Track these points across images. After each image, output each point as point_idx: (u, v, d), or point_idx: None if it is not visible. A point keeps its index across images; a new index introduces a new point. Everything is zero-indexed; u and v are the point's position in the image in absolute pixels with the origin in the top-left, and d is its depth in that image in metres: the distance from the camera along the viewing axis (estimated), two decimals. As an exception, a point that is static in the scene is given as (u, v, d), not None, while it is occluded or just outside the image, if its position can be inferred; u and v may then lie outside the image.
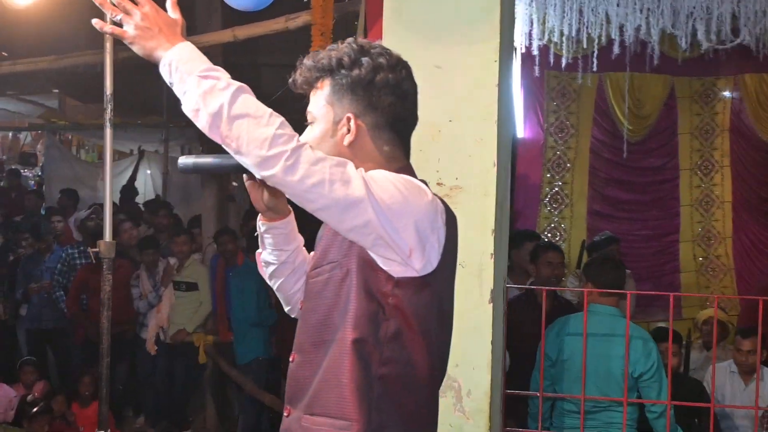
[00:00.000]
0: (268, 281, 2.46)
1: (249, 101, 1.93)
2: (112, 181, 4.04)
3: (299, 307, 2.35)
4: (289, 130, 1.93)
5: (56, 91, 12.88)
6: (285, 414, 2.23)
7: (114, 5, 2.03)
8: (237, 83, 1.94)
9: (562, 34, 6.91)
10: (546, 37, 7.04)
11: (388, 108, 2.15)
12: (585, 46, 7.17)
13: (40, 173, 14.16)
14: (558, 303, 5.65)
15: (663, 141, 8.40)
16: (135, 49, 2.05)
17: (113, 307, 7.72)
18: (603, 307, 4.55)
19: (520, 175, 8.17)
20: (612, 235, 7.44)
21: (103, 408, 4.06)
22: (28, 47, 8.60)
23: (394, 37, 3.60)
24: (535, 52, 7.06)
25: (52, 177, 12.62)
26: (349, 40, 2.21)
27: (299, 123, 2.17)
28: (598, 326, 4.41)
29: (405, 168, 2.19)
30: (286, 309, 2.49)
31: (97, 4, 2.06)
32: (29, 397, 7.01)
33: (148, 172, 12.46)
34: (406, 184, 2.04)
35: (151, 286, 7.81)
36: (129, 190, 11.62)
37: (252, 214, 9.55)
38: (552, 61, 7.82)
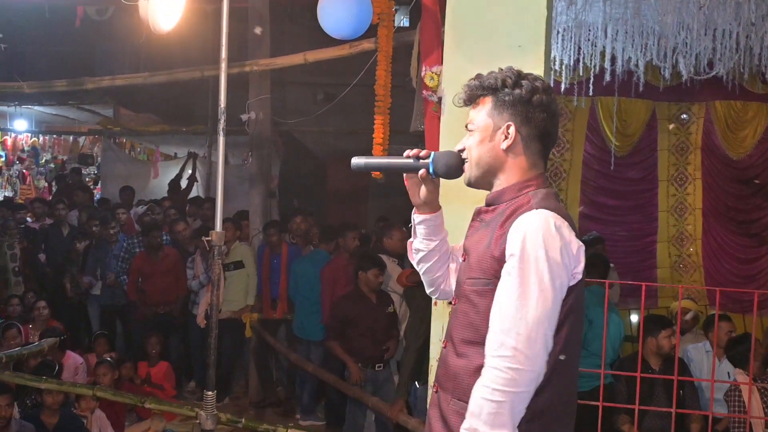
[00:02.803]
0: (415, 266, 2.55)
1: None
2: (208, 180, 4.19)
3: (449, 299, 2.50)
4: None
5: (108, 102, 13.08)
6: (434, 390, 2.34)
7: None
8: None
9: (562, 62, 7.03)
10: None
11: (541, 123, 2.23)
12: (581, 73, 7.31)
13: (96, 171, 14.34)
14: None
15: (644, 156, 8.46)
16: None
17: (164, 288, 8.07)
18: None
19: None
20: (599, 236, 7.57)
21: (210, 371, 4.17)
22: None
23: (453, 64, 3.81)
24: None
25: (107, 175, 12.79)
26: (509, 66, 2.31)
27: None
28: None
29: (539, 176, 2.27)
30: (428, 290, 2.59)
31: None
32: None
33: (189, 171, 12.63)
34: (556, 265, 2.07)
35: (203, 269, 7.98)
36: (174, 185, 11.81)
37: (288, 212, 9.77)
38: (552, 85, 7.92)
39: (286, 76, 11.51)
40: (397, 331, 6.39)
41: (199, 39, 9.42)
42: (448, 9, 3.86)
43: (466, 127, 2.32)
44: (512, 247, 2.09)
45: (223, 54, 4.10)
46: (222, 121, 4.09)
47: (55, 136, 14.38)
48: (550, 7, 3.85)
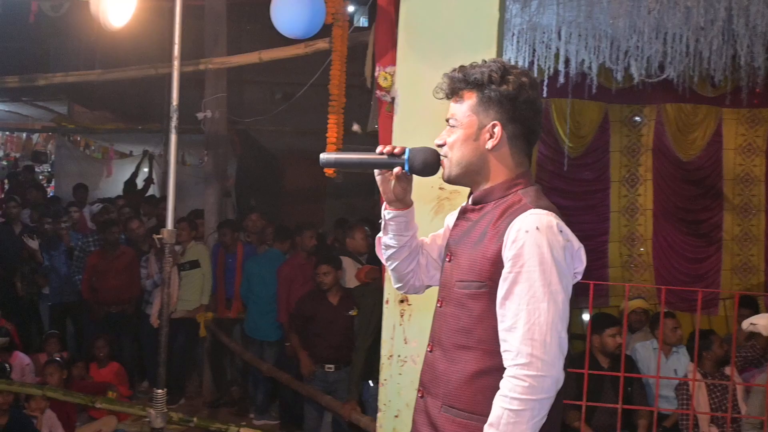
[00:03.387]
0: (384, 262, 2.47)
1: None
2: (164, 180, 4.16)
3: (418, 293, 2.50)
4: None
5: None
6: (419, 395, 2.27)
7: None
8: None
9: (517, 64, 7.10)
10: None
11: (527, 121, 2.17)
12: (535, 75, 7.42)
13: (49, 169, 14.12)
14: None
15: (597, 157, 8.55)
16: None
17: (118, 287, 7.98)
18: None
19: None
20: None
21: (161, 369, 4.13)
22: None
23: (406, 65, 3.83)
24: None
25: (61, 173, 12.62)
26: (493, 59, 2.22)
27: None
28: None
29: (526, 174, 2.21)
30: (396, 285, 2.51)
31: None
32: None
33: (145, 170, 12.49)
34: (558, 269, 2.01)
35: (158, 268, 7.85)
36: (130, 185, 11.70)
37: (245, 211, 9.71)
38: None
39: (245, 75, 11.46)
40: (353, 333, 6.36)
41: (155, 36, 9.30)
42: (401, 10, 3.88)
43: (447, 121, 2.24)
44: (513, 249, 2.03)
45: (176, 52, 4.07)
46: (174, 119, 4.06)
47: (7, 132, 14.12)
48: (502, 9, 3.89)
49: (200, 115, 7.84)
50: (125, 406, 5.41)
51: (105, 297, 8.02)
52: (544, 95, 7.51)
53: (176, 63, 4.02)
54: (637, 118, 8.66)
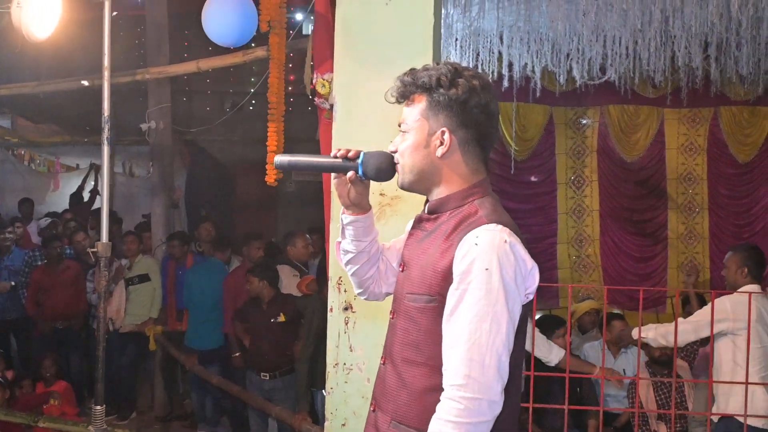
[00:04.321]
0: (344, 267, 2.41)
1: None
2: (110, 192, 4.10)
3: (379, 300, 2.42)
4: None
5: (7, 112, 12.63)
6: (371, 408, 2.21)
7: None
8: None
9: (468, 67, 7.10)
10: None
11: (479, 125, 2.07)
12: (482, 79, 7.43)
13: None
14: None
15: (543, 160, 8.61)
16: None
17: (65, 301, 7.82)
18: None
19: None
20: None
21: (99, 385, 4.06)
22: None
23: (344, 71, 3.79)
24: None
25: (5, 187, 12.35)
26: (445, 61, 2.15)
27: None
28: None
29: (483, 182, 2.13)
30: (357, 291, 2.44)
31: None
32: (-1, 381, 6.94)
33: (92, 183, 12.30)
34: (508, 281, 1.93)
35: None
36: (76, 198, 11.53)
37: (195, 222, 9.61)
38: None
39: (193, 86, 11.35)
40: (290, 341, 6.30)
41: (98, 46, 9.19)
42: (337, 16, 3.84)
43: (399, 126, 2.16)
44: (462, 264, 1.95)
45: (106, 62, 4.00)
46: (106, 131, 4.00)
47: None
48: (438, 13, 3.88)
49: (144, 126, 7.73)
50: (69, 423, 5.28)
51: (51, 312, 7.87)
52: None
53: (106, 74, 3.95)
54: (582, 120, 8.73)
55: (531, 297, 2.04)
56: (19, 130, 12.81)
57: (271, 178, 4.70)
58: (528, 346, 4.60)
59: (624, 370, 6.17)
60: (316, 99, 4.15)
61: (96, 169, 11.92)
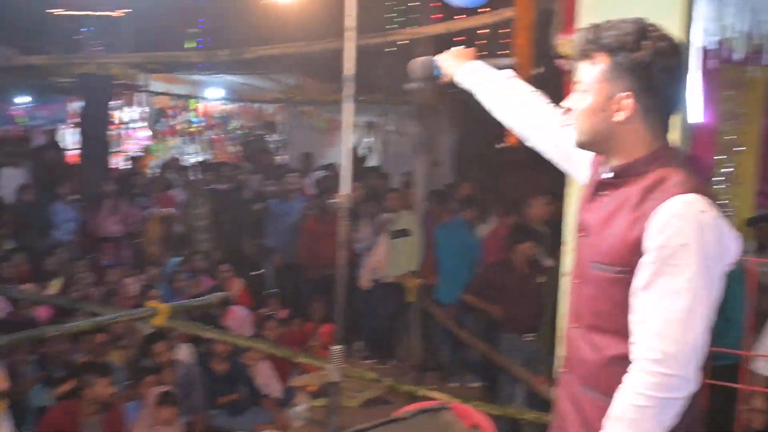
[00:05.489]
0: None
1: None
2: (350, 148, 4.47)
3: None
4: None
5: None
6: (565, 369, 2.20)
7: None
8: None
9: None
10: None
11: (663, 91, 1.98)
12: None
13: (279, 138, 14.98)
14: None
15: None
16: None
17: (331, 252, 8.35)
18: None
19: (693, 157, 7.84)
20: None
21: (339, 327, 4.41)
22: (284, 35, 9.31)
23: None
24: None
25: (289, 142, 13.44)
26: (632, 19, 2.02)
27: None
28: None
29: (666, 147, 2.03)
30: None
31: None
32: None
33: (368, 140, 12.97)
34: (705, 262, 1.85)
35: (368, 233, 8.34)
36: (353, 153, 12.19)
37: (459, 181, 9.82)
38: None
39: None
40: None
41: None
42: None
43: (576, 84, 2.07)
44: (658, 239, 1.87)
45: (351, 23, 4.29)
46: (349, 88, 4.30)
47: (242, 103, 15.09)
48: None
49: (407, 86, 7.98)
50: (321, 360, 5.71)
51: (321, 259, 8.48)
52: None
53: (352, 34, 4.26)
54: None
55: (728, 270, 1.93)
56: (304, 89, 13.78)
57: (512, 139, 4.74)
58: None
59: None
60: (560, 61, 4.12)
61: (372, 126, 12.53)
